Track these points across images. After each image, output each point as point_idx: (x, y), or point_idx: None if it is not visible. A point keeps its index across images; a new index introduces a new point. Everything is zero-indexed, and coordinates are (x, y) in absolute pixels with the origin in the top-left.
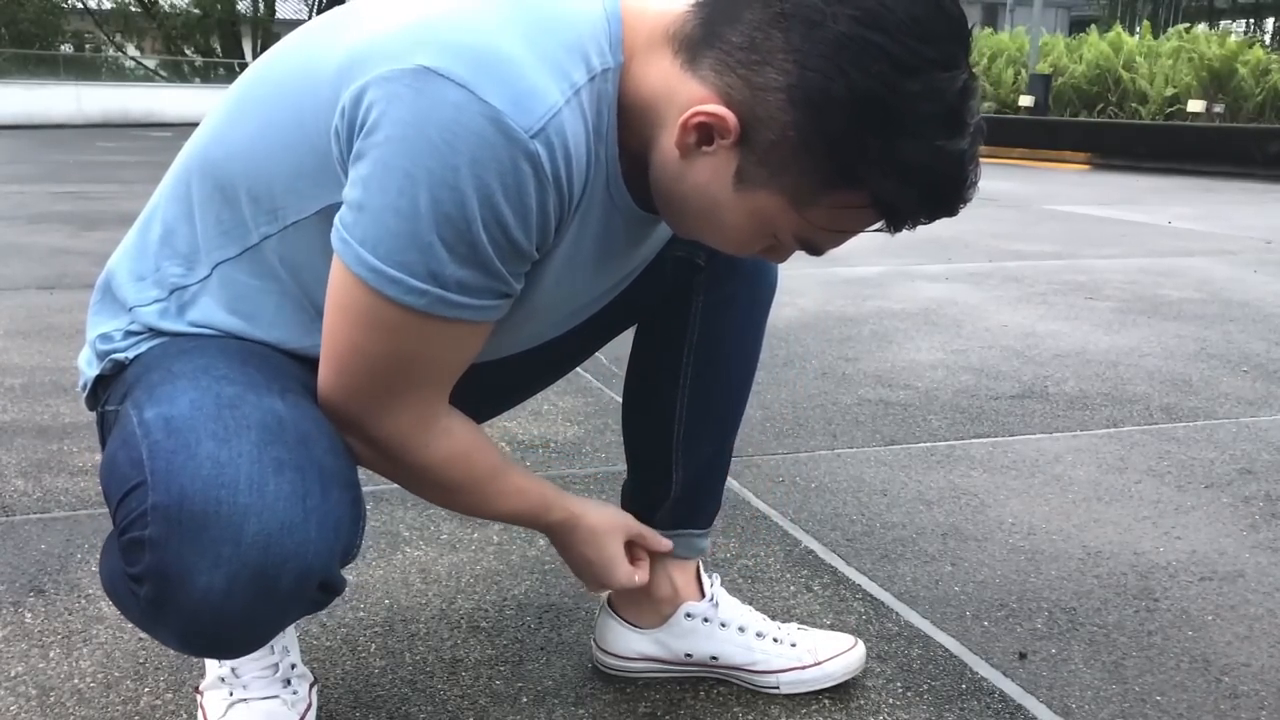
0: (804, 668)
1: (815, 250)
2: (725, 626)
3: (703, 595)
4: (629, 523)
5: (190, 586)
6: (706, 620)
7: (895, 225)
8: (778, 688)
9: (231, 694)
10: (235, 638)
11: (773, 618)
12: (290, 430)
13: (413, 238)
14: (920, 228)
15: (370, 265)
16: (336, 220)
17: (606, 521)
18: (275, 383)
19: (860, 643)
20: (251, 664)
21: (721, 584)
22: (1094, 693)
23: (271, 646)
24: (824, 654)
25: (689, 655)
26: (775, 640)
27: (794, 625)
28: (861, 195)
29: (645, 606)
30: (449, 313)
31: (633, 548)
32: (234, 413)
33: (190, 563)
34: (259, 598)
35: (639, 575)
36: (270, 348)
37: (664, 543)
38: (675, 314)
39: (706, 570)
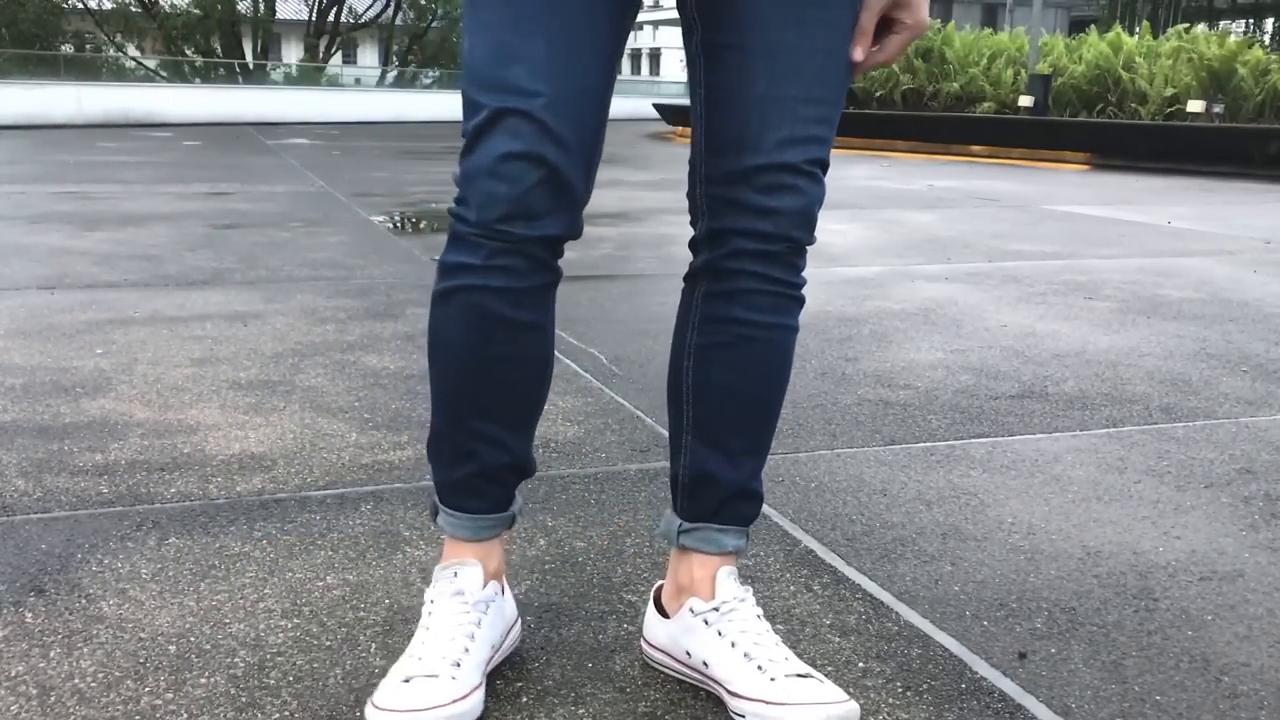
0: (767, 703)
1: None
2: (722, 636)
3: (713, 597)
4: None
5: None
6: (707, 622)
7: None
8: (743, 716)
9: (402, 669)
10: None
11: (772, 618)
12: None
13: None
14: (919, 228)
15: None
16: None
17: None
18: None
19: (853, 704)
20: (432, 649)
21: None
22: (1094, 692)
23: (454, 636)
24: (797, 698)
25: (688, 654)
26: (759, 669)
27: (798, 664)
28: None
29: (671, 592)
30: None
31: None
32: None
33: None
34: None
35: None
36: None
37: None
38: (688, 291)
39: (742, 581)
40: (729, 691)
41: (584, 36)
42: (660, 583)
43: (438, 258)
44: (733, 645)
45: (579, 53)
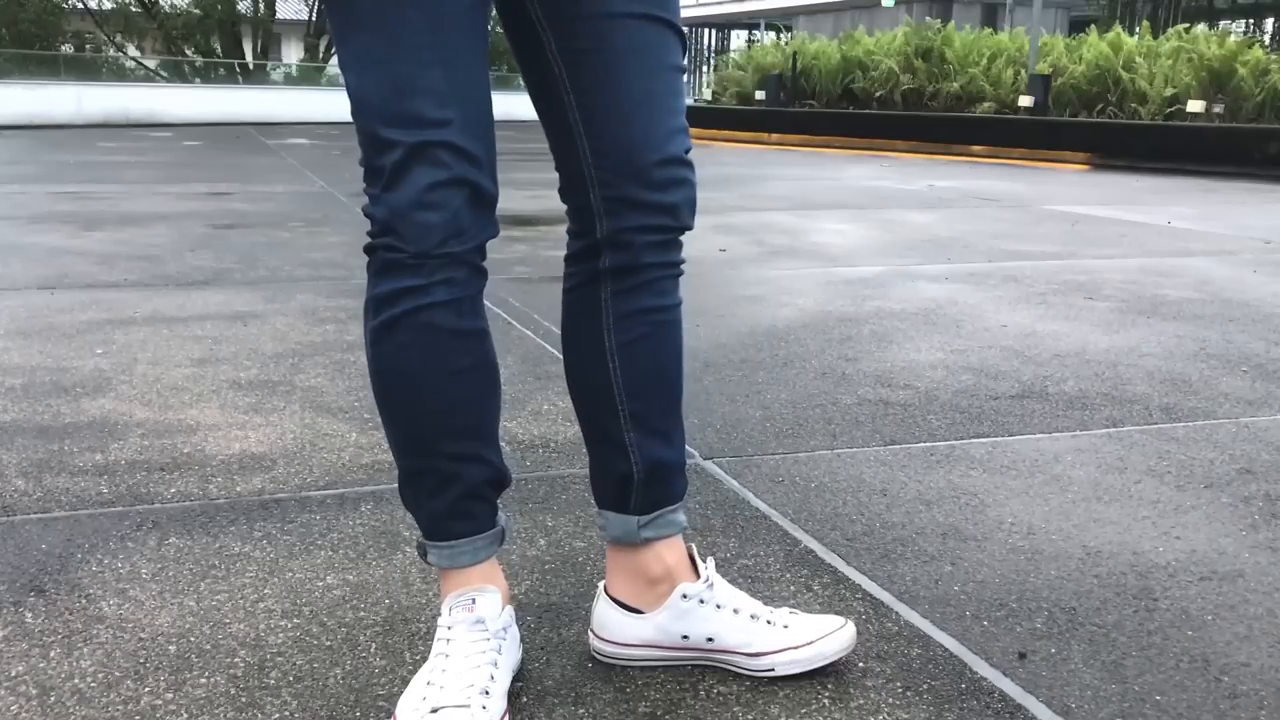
0: (797, 647)
1: None
2: (721, 608)
3: (697, 576)
4: None
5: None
6: (702, 601)
7: None
8: (772, 669)
9: (425, 699)
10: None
11: None
12: None
13: None
14: (919, 227)
15: None
16: None
17: None
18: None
19: (850, 623)
20: (455, 678)
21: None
22: (1094, 692)
23: (479, 665)
24: (815, 634)
25: (685, 638)
26: (769, 623)
27: (785, 610)
28: None
29: (641, 588)
30: None
31: None
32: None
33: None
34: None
35: None
36: None
37: None
38: (588, 297)
39: (701, 555)
40: (748, 654)
41: (470, 53)
42: (601, 591)
43: (368, 295)
44: (735, 612)
45: (470, 69)
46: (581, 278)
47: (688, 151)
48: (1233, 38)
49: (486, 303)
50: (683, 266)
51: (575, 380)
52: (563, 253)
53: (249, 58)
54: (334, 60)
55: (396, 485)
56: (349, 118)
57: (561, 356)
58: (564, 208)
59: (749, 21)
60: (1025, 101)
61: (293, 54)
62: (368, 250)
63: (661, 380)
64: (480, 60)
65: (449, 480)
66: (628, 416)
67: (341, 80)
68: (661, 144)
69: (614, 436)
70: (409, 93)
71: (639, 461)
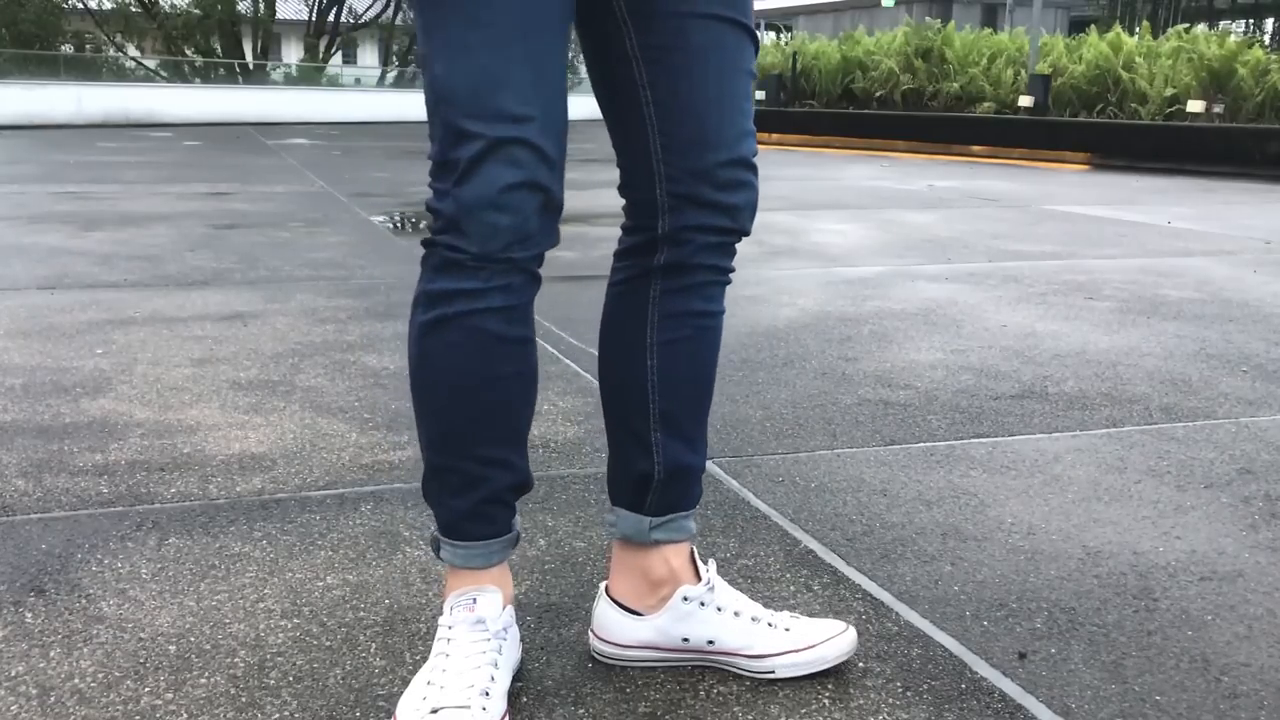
0: (798, 651)
1: None
2: (721, 610)
3: (699, 578)
4: None
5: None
6: (703, 604)
7: None
8: (773, 672)
9: (425, 699)
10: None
11: None
12: None
13: None
14: (919, 227)
15: None
16: None
17: None
18: None
19: (852, 628)
20: (456, 678)
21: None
22: (1094, 692)
23: (479, 665)
24: (817, 638)
25: (686, 640)
26: (770, 625)
27: (786, 613)
28: None
29: (643, 590)
30: None
31: None
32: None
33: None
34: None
35: None
36: None
37: None
38: (636, 292)
39: (701, 556)
40: (749, 656)
41: (555, 53)
42: (602, 592)
43: (421, 288)
44: (736, 615)
45: (554, 69)
46: (632, 272)
47: (754, 155)
48: (1233, 38)
49: None
50: (731, 275)
51: (609, 374)
52: (565, 254)
53: (249, 58)
54: (334, 60)
55: (396, 485)
56: (348, 118)
57: (560, 356)
58: (566, 209)
59: None
60: (1025, 101)
61: (293, 54)
62: (426, 244)
63: (696, 384)
64: (562, 61)
65: (475, 482)
66: (657, 415)
67: (341, 80)
68: (732, 144)
69: (640, 434)
70: (496, 86)
71: (661, 462)
